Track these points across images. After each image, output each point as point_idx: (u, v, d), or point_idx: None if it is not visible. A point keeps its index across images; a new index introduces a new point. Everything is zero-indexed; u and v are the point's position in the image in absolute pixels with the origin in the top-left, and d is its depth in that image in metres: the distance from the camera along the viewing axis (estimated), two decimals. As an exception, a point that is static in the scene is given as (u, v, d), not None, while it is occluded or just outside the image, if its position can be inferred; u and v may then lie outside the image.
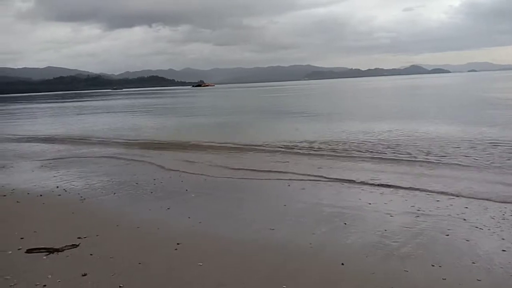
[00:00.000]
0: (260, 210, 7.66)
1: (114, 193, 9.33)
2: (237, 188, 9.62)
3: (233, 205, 8.19)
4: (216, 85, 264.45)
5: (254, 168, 11.47)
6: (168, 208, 7.92)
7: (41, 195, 9.21)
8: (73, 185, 10.26)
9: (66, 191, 9.63)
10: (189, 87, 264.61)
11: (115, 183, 10.32)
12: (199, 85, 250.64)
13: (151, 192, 9.27)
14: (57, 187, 10.05)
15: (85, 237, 6.26)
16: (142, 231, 6.67)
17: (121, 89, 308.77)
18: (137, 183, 10.18)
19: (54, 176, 11.43)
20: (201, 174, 10.99)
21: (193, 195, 8.87)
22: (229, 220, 7.17)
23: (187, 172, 11.30)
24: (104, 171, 11.99)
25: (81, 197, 9.02)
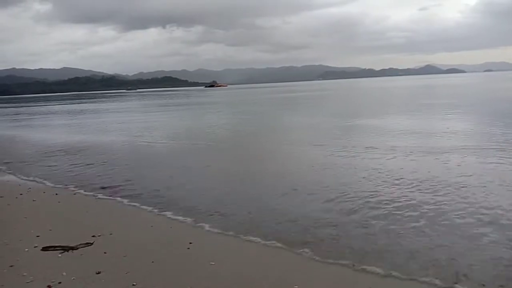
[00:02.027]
0: (268, 211, 7.65)
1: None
2: (248, 191, 9.63)
3: (244, 206, 8.20)
4: (228, 86, 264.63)
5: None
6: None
7: (56, 194, 9.36)
8: (88, 184, 10.39)
9: (80, 190, 9.76)
10: (202, 87, 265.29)
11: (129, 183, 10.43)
12: (212, 86, 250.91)
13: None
14: (73, 185, 10.20)
15: (99, 236, 6.35)
16: (155, 230, 6.73)
17: (135, 89, 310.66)
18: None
19: (70, 175, 11.60)
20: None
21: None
22: (240, 219, 7.18)
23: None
24: (116, 171, 12.11)
25: (95, 196, 9.14)
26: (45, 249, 5.88)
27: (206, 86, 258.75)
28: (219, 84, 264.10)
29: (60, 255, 5.68)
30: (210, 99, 70.74)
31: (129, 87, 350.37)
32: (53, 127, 29.51)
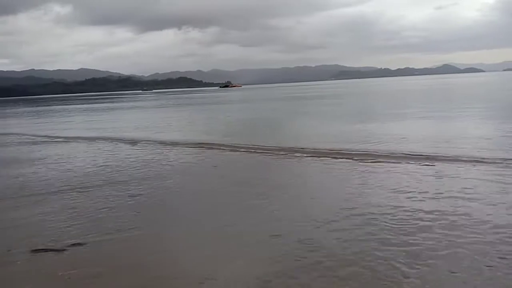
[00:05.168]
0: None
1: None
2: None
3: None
4: (243, 86, 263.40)
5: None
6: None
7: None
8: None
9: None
10: (217, 87, 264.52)
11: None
12: (227, 86, 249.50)
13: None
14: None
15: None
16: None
17: (151, 90, 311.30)
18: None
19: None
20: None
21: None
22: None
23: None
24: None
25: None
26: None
27: (220, 87, 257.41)
28: (234, 85, 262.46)
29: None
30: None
31: (144, 88, 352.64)
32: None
